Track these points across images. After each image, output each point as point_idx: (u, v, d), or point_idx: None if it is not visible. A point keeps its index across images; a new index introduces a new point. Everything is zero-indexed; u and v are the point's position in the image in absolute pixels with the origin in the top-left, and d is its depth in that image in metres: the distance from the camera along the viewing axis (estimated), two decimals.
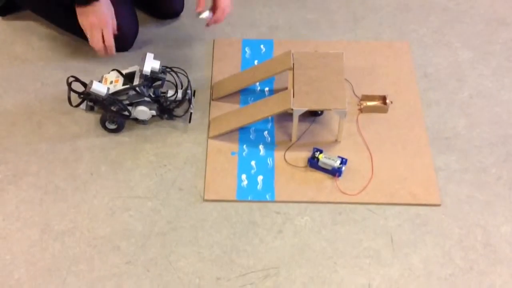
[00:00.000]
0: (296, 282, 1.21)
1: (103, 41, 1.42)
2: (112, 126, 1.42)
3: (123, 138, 1.43)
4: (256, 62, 1.59)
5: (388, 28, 1.68)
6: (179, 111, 1.43)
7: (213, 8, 1.43)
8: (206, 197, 1.32)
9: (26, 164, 1.38)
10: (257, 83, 1.52)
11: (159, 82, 1.40)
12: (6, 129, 1.44)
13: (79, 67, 1.55)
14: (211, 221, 1.29)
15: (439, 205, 1.32)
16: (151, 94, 1.40)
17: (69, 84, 1.37)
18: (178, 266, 1.23)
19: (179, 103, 1.41)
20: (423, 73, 1.56)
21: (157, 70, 1.37)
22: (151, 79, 1.39)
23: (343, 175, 1.35)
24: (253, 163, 1.38)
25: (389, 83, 1.53)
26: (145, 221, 1.29)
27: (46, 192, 1.33)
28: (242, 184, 1.34)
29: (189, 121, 1.45)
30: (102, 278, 1.21)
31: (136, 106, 1.39)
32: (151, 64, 1.36)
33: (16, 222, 1.29)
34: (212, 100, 1.49)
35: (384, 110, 1.47)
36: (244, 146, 1.41)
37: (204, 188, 1.34)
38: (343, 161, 1.34)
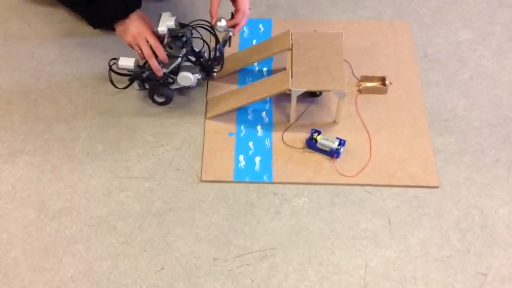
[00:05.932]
0: (293, 263, 1.21)
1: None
2: (160, 100, 1.41)
3: (120, 117, 1.42)
4: (254, 41, 1.57)
5: (389, 8, 1.66)
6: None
7: (234, 12, 1.37)
8: (203, 178, 1.32)
9: (22, 143, 1.37)
10: (255, 63, 1.51)
11: (184, 39, 1.35)
12: (2, 107, 1.43)
13: (76, 45, 1.53)
14: (208, 202, 1.29)
15: (437, 187, 1.31)
16: (190, 57, 1.36)
17: (110, 67, 1.35)
18: (175, 246, 1.23)
19: (216, 58, 1.38)
20: (423, 53, 1.55)
21: (174, 27, 1.32)
22: (175, 37, 1.34)
23: (341, 156, 1.34)
24: (250, 144, 1.38)
25: (389, 64, 1.52)
26: (142, 202, 1.29)
27: (42, 172, 1.33)
28: (239, 165, 1.34)
29: (229, 45, 1.40)
30: (99, 258, 1.21)
31: (179, 74, 1.36)
32: (165, 22, 1.31)
33: (12, 201, 1.28)
34: (210, 80, 1.48)
35: (383, 91, 1.46)
36: (242, 126, 1.40)
37: (201, 168, 1.33)
38: (341, 142, 1.34)
